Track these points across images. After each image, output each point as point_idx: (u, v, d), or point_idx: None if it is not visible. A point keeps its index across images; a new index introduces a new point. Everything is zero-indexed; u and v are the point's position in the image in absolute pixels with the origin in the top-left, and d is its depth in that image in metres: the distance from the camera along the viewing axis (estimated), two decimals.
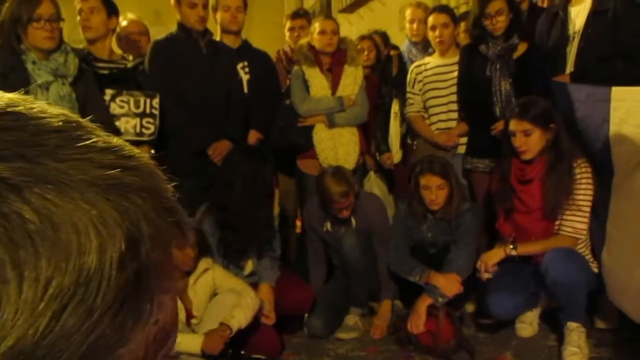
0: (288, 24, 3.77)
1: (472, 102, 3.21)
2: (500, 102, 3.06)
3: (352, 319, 3.01)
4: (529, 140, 2.66)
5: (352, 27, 7.76)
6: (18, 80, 2.40)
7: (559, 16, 3.00)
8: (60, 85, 2.47)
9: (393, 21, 6.34)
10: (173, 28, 3.15)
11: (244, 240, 2.84)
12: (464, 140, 3.29)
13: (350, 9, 8.19)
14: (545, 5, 3.40)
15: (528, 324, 2.84)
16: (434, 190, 2.84)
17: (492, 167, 3.05)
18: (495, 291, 2.68)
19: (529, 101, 2.72)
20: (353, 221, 3.03)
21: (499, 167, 2.88)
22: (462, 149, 3.29)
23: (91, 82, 2.67)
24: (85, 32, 2.90)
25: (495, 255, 2.67)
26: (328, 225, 3.08)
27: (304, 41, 3.42)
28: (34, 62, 2.44)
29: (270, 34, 7.08)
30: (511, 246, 2.66)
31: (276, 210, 3.67)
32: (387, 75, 3.64)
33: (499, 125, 2.97)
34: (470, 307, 3.08)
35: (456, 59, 3.28)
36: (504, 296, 2.68)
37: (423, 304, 2.71)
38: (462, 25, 3.44)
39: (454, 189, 2.86)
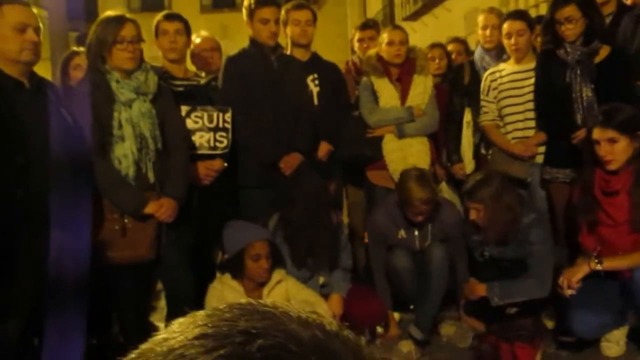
0: (357, 35, 3.76)
1: (551, 109, 3.09)
2: (582, 110, 2.93)
3: (407, 346, 2.84)
4: (615, 149, 2.53)
5: (416, 34, 7.69)
6: (103, 97, 2.53)
7: None
8: (142, 103, 2.57)
9: (458, 28, 6.22)
10: (240, 41, 3.21)
11: (308, 255, 2.86)
12: (542, 149, 3.16)
13: (414, 16, 8.13)
14: (629, 2, 3.22)
15: (614, 343, 2.69)
16: (474, 213, 2.80)
17: (573, 177, 2.92)
18: (579, 308, 2.55)
19: (613, 108, 2.59)
20: (429, 226, 2.98)
21: (580, 178, 2.75)
22: (539, 159, 3.16)
23: (169, 99, 2.76)
24: (171, 53, 2.92)
25: (579, 271, 2.54)
26: (402, 233, 3.02)
27: (372, 52, 3.41)
28: (117, 81, 2.55)
29: (333, 45, 7.15)
30: (596, 260, 2.53)
31: (345, 220, 3.66)
32: (458, 83, 3.56)
33: (580, 134, 2.84)
34: (549, 324, 2.95)
35: (533, 65, 3.16)
36: (588, 314, 2.55)
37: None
38: (538, 29, 3.32)
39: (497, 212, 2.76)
